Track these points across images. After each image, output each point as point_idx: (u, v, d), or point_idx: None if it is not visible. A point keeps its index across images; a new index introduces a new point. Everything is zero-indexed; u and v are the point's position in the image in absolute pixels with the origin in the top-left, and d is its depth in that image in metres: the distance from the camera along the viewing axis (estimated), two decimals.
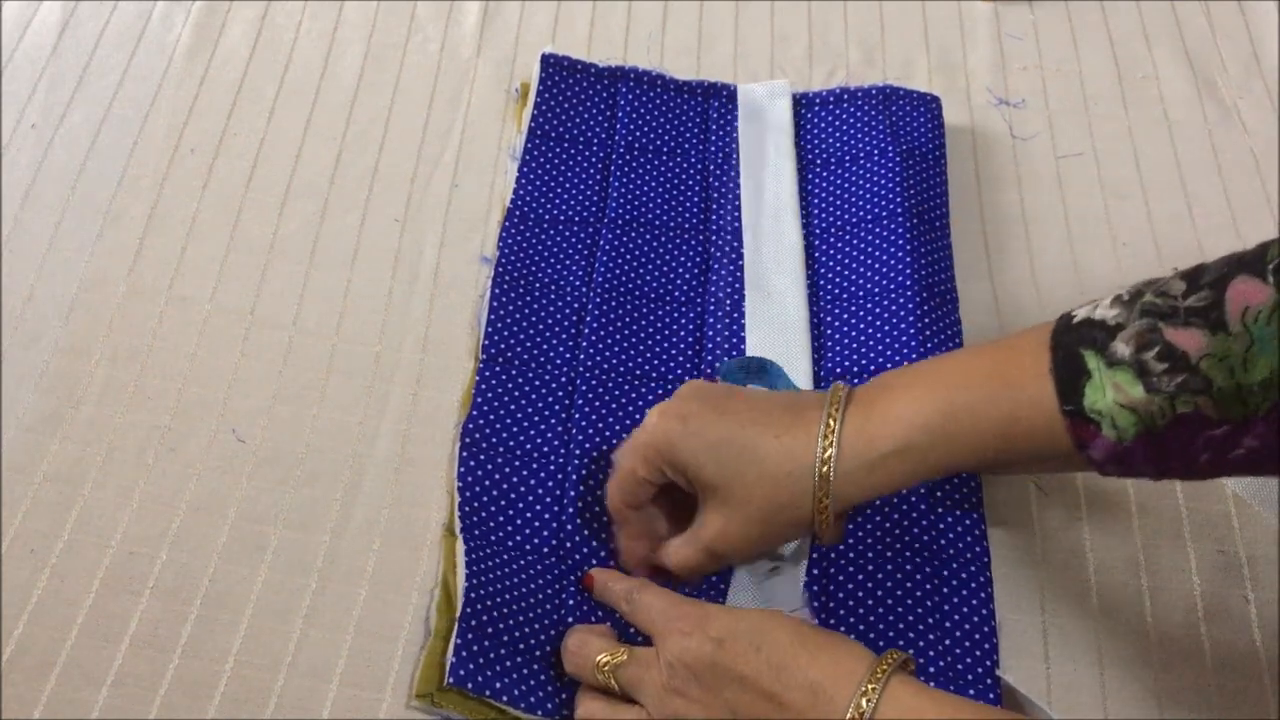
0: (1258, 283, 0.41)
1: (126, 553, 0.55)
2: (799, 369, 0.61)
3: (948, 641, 0.52)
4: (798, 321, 0.63)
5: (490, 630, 0.51)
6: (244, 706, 0.51)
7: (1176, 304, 0.42)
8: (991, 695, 0.51)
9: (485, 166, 0.71)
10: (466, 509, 0.56)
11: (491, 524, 0.55)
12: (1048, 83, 0.78)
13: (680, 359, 0.62)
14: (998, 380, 0.45)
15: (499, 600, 0.53)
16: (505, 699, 0.50)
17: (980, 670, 0.52)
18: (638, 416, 0.59)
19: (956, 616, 0.53)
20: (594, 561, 0.55)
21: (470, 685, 0.50)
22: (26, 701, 0.50)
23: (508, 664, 0.50)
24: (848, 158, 0.70)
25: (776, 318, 0.63)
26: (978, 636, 0.52)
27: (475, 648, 0.50)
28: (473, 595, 0.52)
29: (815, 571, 0.55)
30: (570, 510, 0.56)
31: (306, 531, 0.56)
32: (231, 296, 0.64)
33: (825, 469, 0.47)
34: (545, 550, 0.55)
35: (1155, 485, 0.59)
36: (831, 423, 0.47)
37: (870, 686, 0.42)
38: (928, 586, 0.54)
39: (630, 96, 0.73)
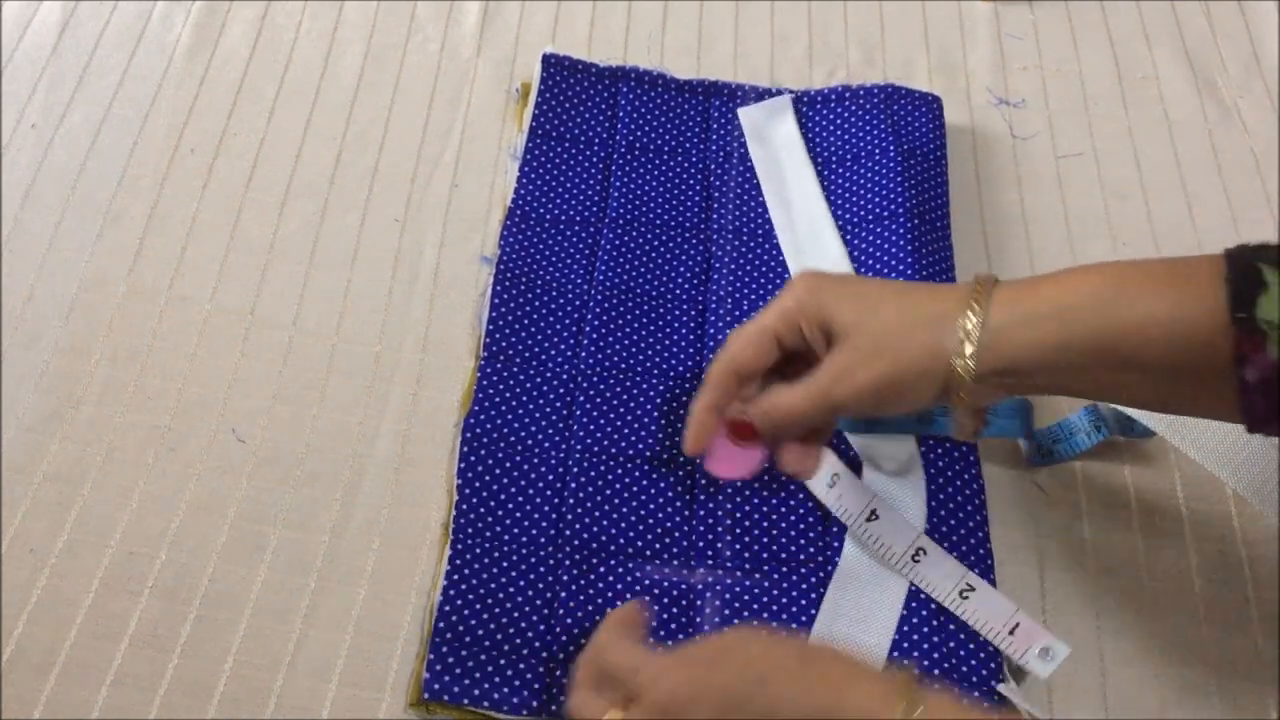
0: None
1: (126, 553, 0.55)
2: None
3: (952, 644, 0.52)
4: None
5: (468, 638, 0.51)
6: (243, 706, 0.51)
7: None
8: (995, 698, 0.51)
9: (485, 166, 0.71)
10: (464, 505, 0.56)
11: (490, 519, 0.55)
12: (1048, 83, 0.78)
13: (681, 357, 0.62)
14: (1171, 276, 0.44)
15: (485, 599, 0.53)
16: (486, 704, 0.50)
17: (984, 673, 0.51)
18: (639, 415, 0.60)
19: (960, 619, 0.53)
20: (593, 560, 0.55)
21: (447, 697, 0.50)
22: (26, 701, 0.50)
23: (488, 669, 0.51)
24: (849, 157, 0.70)
25: None
26: (981, 639, 0.52)
27: (451, 659, 0.51)
28: (448, 607, 0.52)
29: (814, 580, 0.55)
30: (570, 504, 0.56)
31: (306, 531, 0.56)
32: (231, 296, 0.64)
33: (971, 318, 0.45)
34: (543, 541, 0.55)
35: (1156, 485, 0.59)
36: (983, 285, 0.46)
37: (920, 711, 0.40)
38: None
39: (631, 96, 0.73)
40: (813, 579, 0.54)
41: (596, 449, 0.58)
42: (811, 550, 0.55)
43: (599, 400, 0.60)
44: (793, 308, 0.49)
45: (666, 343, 0.63)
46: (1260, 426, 0.43)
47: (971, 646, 0.52)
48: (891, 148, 0.69)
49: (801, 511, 0.56)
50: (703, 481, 0.57)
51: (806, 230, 0.67)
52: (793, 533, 0.56)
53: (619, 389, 0.61)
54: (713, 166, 0.71)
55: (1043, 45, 0.80)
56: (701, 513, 0.56)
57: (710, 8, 0.81)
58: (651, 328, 0.63)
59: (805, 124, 0.72)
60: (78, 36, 0.76)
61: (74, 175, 0.69)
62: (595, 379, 0.61)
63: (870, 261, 0.65)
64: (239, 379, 0.61)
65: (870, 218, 0.67)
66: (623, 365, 0.62)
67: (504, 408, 0.59)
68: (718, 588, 0.54)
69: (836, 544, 0.55)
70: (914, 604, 0.53)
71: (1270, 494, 0.59)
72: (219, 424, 0.59)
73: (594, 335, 0.62)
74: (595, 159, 0.70)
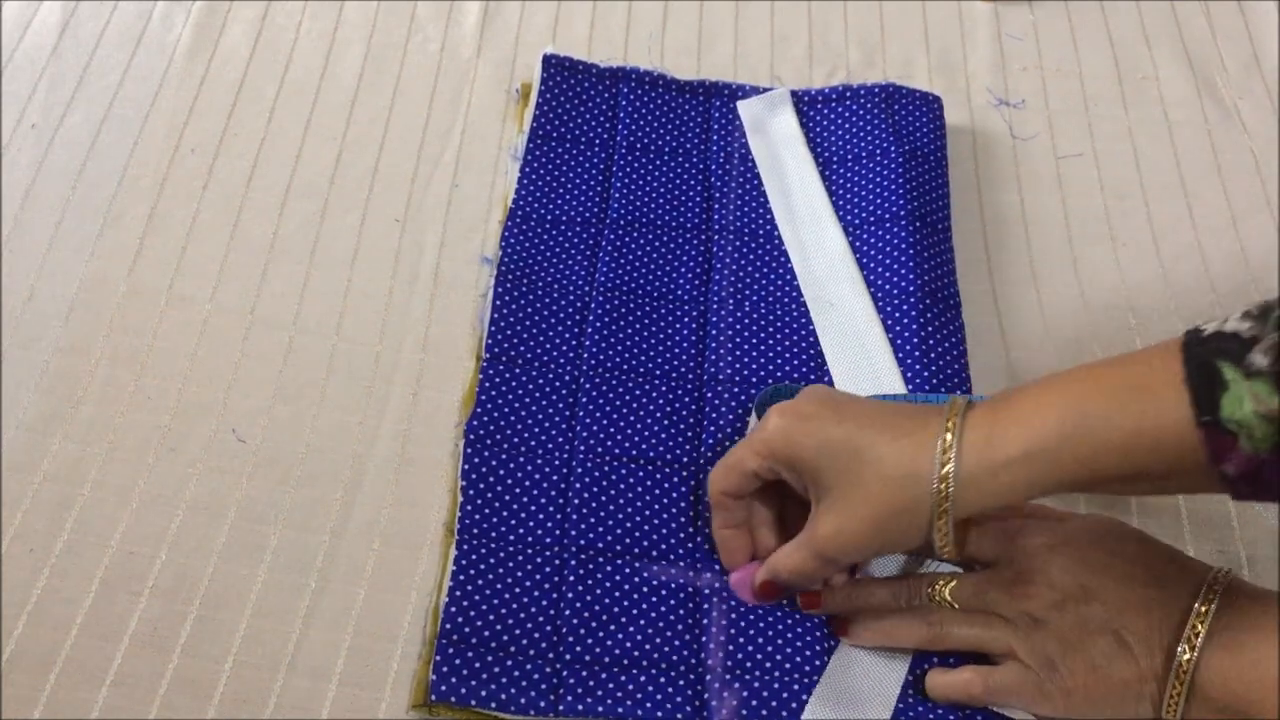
0: None
1: (126, 553, 0.55)
2: (882, 372, 0.61)
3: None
4: (869, 327, 0.62)
5: (474, 639, 0.51)
6: (243, 706, 0.51)
7: None
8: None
9: (485, 166, 0.71)
10: (469, 506, 0.56)
11: (494, 519, 0.55)
12: (1048, 83, 0.78)
13: (683, 357, 0.62)
14: (1130, 389, 0.44)
15: (491, 600, 0.53)
16: (494, 705, 0.50)
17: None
18: (641, 415, 0.60)
19: None
20: (599, 560, 0.55)
21: (454, 699, 0.50)
22: (26, 701, 0.50)
23: (495, 670, 0.51)
24: (850, 157, 0.70)
25: (847, 328, 0.63)
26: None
27: (457, 661, 0.51)
28: (454, 609, 0.52)
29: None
30: (575, 503, 0.56)
31: (306, 531, 0.56)
32: (231, 296, 0.64)
33: (946, 471, 0.46)
34: (548, 541, 0.55)
35: None
36: (952, 425, 0.46)
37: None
38: None
39: (631, 97, 0.73)
40: None
41: (600, 449, 0.58)
42: None
43: (602, 401, 0.60)
44: (764, 451, 0.50)
45: (668, 343, 0.63)
46: (1247, 499, 0.44)
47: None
48: (892, 148, 0.69)
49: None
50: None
51: (808, 224, 0.67)
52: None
53: (621, 389, 0.61)
54: (713, 167, 0.71)
55: (1043, 45, 0.80)
56: (707, 514, 0.56)
57: (710, 8, 0.81)
58: (653, 328, 0.63)
59: (805, 124, 0.72)
60: (78, 36, 0.76)
61: (74, 175, 0.69)
62: (598, 379, 0.61)
63: (873, 265, 0.65)
64: (239, 379, 0.61)
65: (871, 220, 0.67)
66: (625, 366, 0.62)
67: (507, 409, 0.59)
68: (724, 591, 0.54)
69: None
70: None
71: None
72: (219, 424, 0.59)
73: (596, 336, 0.62)
74: (596, 159, 0.70)
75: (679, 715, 0.50)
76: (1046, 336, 0.65)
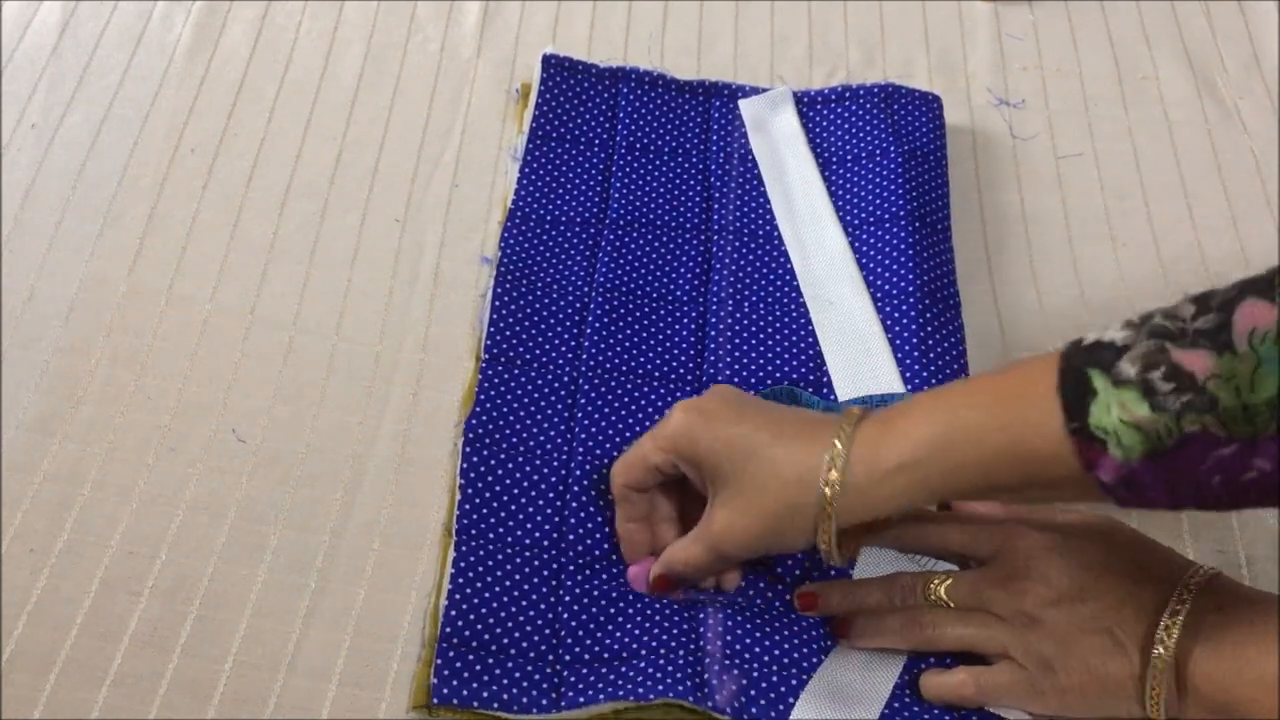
0: (1265, 304, 0.41)
1: (126, 553, 0.55)
2: (881, 371, 0.61)
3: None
4: (868, 326, 0.62)
5: (475, 642, 0.51)
6: (243, 706, 0.51)
7: (1185, 325, 0.42)
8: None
9: (485, 166, 0.71)
10: (467, 506, 0.56)
11: (492, 520, 0.55)
12: (1048, 83, 0.78)
13: (682, 358, 0.62)
14: (1005, 399, 0.45)
15: (490, 602, 0.53)
16: (496, 706, 0.50)
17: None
18: (640, 415, 0.60)
19: None
20: (597, 559, 0.55)
21: (456, 701, 0.50)
22: (26, 701, 0.50)
23: (496, 671, 0.51)
24: (849, 158, 0.70)
25: (846, 326, 0.63)
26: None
27: (458, 664, 0.51)
28: (453, 611, 0.52)
29: (798, 572, 0.55)
30: (573, 505, 0.56)
31: (306, 531, 0.56)
32: (231, 296, 0.64)
33: (832, 477, 0.47)
34: (546, 544, 0.55)
35: None
36: (843, 435, 0.47)
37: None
38: None
39: (631, 97, 0.73)
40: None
41: (599, 450, 0.58)
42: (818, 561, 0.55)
43: (600, 402, 0.60)
44: (666, 446, 0.51)
45: (667, 344, 0.63)
46: (1135, 507, 0.44)
47: None
48: (892, 148, 0.69)
49: None
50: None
51: (808, 223, 0.67)
52: None
53: (620, 390, 0.61)
54: (713, 167, 0.71)
55: (1043, 45, 0.80)
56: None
57: (710, 8, 0.81)
58: (652, 329, 0.63)
59: (805, 124, 0.72)
60: (78, 36, 0.76)
61: (74, 175, 0.69)
62: (597, 380, 0.61)
63: (873, 265, 0.65)
64: (239, 379, 0.61)
65: (871, 220, 0.67)
66: (624, 366, 0.62)
67: (506, 409, 0.59)
68: (720, 596, 0.54)
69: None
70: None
71: None
72: (219, 424, 0.59)
73: (595, 336, 0.62)
74: (595, 160, 0.70)
75: (680, 688, 0.50)
76: (1046, 337, 0.65)
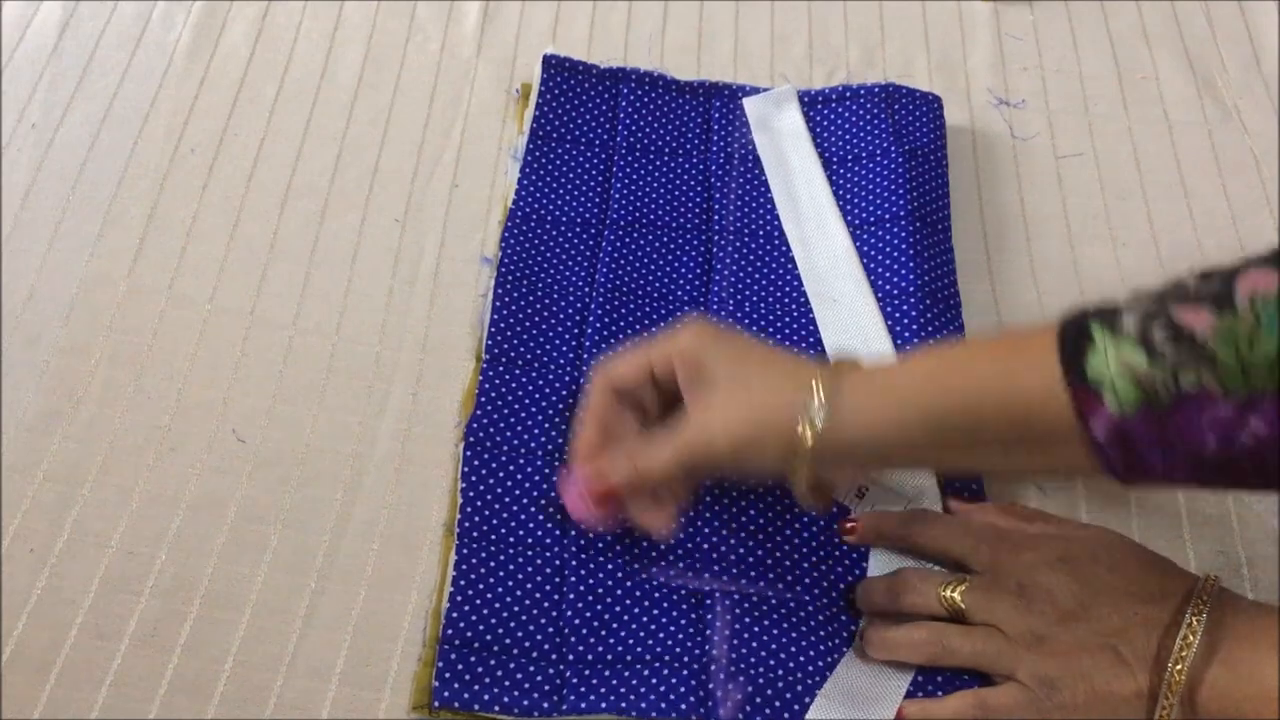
0: (1267, 270, 0.42)
1: (126, 552, 0.55)
2: None
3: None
4: (872, 323, 0.62)
5: (476, 644, 0.51)
6: (243, 706, 0.51)
7: (1187, 288, 0.43)
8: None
9: (485, 166, 0.71)
10: (469, 508, 0.56)
11: (494, 521, 0.55)
12: (1048, 83, 0.78)
13: None
14: (1002, 350, 0.46)
15: (492, 603, 0.53)
16: (497, 708, 0.50)
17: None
18: None
19: None
20: (600, 560, 0.55)
21: (458, 704, 0.50)
22: (26, 701, 0.50)
23: (498, 673, 0.51)
24: (850, 158, 0.70)
25: (850, 324, 0.63)
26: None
27: (459, 665, 0.51)
28: (455, 614, 0.52)
29: (834, 594, 0.54)
30: None
31: (306, 531, 0.56)
32: (231, 296, 0.64)
33: (812, 415, 0.47)
34: (548, 542, 0.55)
35: None
36: (832, 378, 0.48)
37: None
38: None
39: (632, 97, 0.73)
40: (833, 592, 0.54)
41: None
42: (831, 560, 0.55)
43: None
44: (671, 350, 0.51)
45: None
46: (1124, 478, 0.44)
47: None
48: (893, 148, 0.69)
49: (808, 520, 0.56)
50: (708, 482, 0.57)
51: (812, 220, 0.67)
52: (803, 537, 0.56)
53: None
54: (714, 167, 0.71)
55: (1043, 45, 0.80)
56: (707, 514, 0.56)
57: (710, 8, 0.81)
58: (653, 329, 0.63)
59: (806, 123, 0.72)
60: (78, 36, 0.76)
61: (74, 175, 0.69)
62: None
63: (873, 265, 0.65)
64: (239, 379, 0.61)
65: (872, 220, 0.67)
66: None
67: (507, 410, 0.59)
68: (730, 592, 0.54)
69: (855, 555, 0.55)
70: None
71: (1270, 494, 0.59)
72: (219, 424, 0.59)
73: (596, 337, 0.62)
74: (596, 160, 0.70)
75: (683, 705, 0.50)
76: None
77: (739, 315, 0.64)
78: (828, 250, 0.66)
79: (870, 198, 0.68)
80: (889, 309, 0.63)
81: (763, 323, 0.64)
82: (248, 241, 0.67)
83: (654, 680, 0.51)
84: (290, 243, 0.67)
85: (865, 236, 0.66)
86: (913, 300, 0.63)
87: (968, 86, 0.77)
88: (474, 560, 0.54)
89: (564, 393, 0.60)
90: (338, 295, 0.65)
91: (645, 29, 0.79)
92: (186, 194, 0.68)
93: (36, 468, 0.57)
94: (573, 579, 0.54)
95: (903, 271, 0.64)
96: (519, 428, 0.59)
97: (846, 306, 0.63)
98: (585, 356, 0.62)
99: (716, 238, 0.67)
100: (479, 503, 0.56)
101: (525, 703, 0.50)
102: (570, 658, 0.52)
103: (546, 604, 0.53)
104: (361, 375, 0.62)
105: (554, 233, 0.67)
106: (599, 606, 0.53)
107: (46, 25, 0.76)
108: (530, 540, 0.55)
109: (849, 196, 0.68)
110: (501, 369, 0.61)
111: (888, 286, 0.64)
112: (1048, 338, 0.44)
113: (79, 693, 0.51)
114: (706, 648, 0.52)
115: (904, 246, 0.65)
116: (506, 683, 0.50)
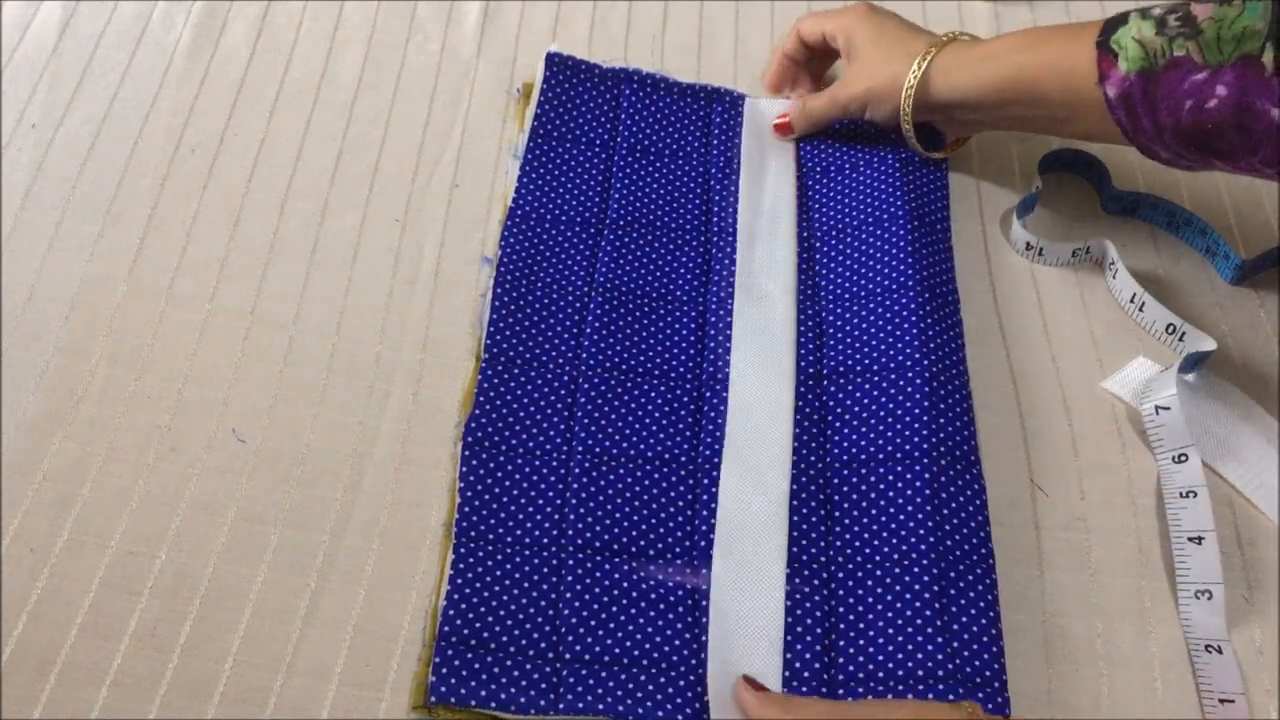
0: None
1: (126, 552, 0.55)
2: (780, 366, 0.61)
3: (955, 644, 0.52)
4: (783, 325, 0.63)
5: (474, 640, 0.52)
6: (243, 706, 0.51)
7: None
8: (1000, 699, 0.51)
9: (485, 166, 0.71)
10: (467, 508, 0.56)
11: (492, 520, 0.56)
12: None
13: (681, 358, 0.62)
14: (1072, 29, 0.60)
15: (489, 601, 0.53)
16: (494, 705, 0.50)
17: (988, 673, 0.51)
18: (640, 414, 0.60)
19: (964, 619, 0.53)
20: (597, 559, 0.55)
21: (454, 699, 0.50)
22: (26, 701, 0.50)
23: (495, 670, 0.51)
24: (848, 165, 0.70)
25: (762, 321, 0.63)
26: (985, 639, 0.52)
27: (456, 662, 0.51)
28: (452, 611, 0.52)
29: (816, 582, 0.55)
30: (573, 503, 0.56)
31: (306, 531, 0.56)
32: (231, 296, 0.64)
33: (923, 60, 0.65)
34: (545, 542, 0.55)
35: (1155, 484, 0.59)
36: (931, 52, 0.65)
37: None
38: (935, 589, 0.53)
39: (634, 99, 0.73)
40: (825, 590, 0.54)
41: (598, 450, 0.58)
42: (820, 557, 0.56)
43: (600, 401, 0.60)
44: (837, 24, 0.69)
45: (667, 343, 0.63)
46: (1131, 138, 0.58)
47: (981, 641, 0.52)
48: (890, 155, 0.70)
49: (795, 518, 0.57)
50: (705, 481, 0.57)
51: (768, 218, 0.68)
52: (795, 533, 0.56)
53: (620, 390, 0.61)
54: (713, 170, 0.71)
55: None
56: (705, 513, 0.56)
57: (710, 8, 0.81)
58: (652, 329, 0.63)
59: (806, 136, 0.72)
60: (78, 36, 0.76)
61: (74, 175, 0.69)
62: (596, 380, 0.61)
63: (872, 263, 0.65)
64: (239, 379, 0.61)
65: (871, 220, 0.67)
66: (624, 366, 0.62)
67: (505, 410, 0.59)
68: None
69: (850, 550, 0.55)
70: (919, 600, 0.53)
71: (1270, 495, 0.59)
72: (219, 424, 0.59)
73: (595, 336, 0.62)
74: (596, 160, 0.70)
75: (679, 716, 0.50)
76: (1047, 336, 0.65)
77: (727, 316, 0.63)
78: (769, 248, 0.66)
79: (869, 198, 0.68)
80: (888, 303, 0.63)
81: None
82: (248, 241, 0.67)
83: (649, 685, 0.51)
84: (290, 243, 0.67)
85: (864, 234, 0.66)
86: (911, 293, 0.63)
87: None
88: (471, 559, 0.54)
89: (562, 392, 0.60)
90: (338, 295, 0.65)
91: (645, 29, 0.79)
92: (186, 194, 0.68)
93: (36, 468, 0.57)
94: (570, 579, 0.54)
95: (901, 267, 0.64)
96: (517, 427, 0.59)
97: (766, 305, 0.64)
98: (584, 356, 0.62)
99: (715, 239, 0.67)
100: (476, 503, 0.56)
101: (522, 700, 0.50)
102: (567, 656, 0.52)
103: (544, 603, 0.53)
104: (361, 375, 0.62)
105: (554, 231, 0.67)
106: (595, 606, 0.53)
107: (46, 25, 0.76)
108: (528, 540, 0.55)
109: (847, 198, 0.68)
110: (500, 368, 0.61)
111: (886, 282, 0.64)
112: (1097, 26, 0.58)
113: (79, 693, 0.51)
114: (702, 656, 0.52)
115: (902, 244, 0.65)
116: (504, 679, 0.50)
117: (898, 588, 0.54)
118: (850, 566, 0.55)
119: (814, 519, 0.57)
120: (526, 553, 0.55)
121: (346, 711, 0.51)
